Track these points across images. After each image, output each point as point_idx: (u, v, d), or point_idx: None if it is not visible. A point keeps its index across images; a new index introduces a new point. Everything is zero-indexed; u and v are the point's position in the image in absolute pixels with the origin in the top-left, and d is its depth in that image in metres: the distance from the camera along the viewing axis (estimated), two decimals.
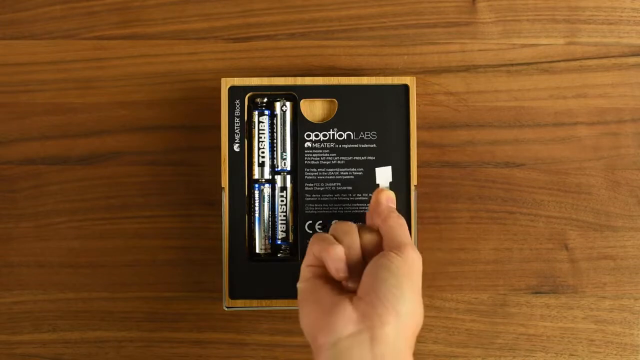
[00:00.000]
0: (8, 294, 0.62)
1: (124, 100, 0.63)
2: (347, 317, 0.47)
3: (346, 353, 0.46)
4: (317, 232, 0.59)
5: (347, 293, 0.49)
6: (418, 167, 0.60)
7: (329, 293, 0.49)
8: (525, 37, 0.63)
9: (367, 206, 0.59)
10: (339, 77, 0.60)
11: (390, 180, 0.57)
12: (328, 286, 0.50)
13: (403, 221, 0.52)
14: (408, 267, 0.48)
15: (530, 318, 0.62)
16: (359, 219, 0.59)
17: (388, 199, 0.54)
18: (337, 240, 0.50)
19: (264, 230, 0.60)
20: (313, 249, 0.51)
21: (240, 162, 0.59)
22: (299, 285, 0.51)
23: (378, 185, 0.56)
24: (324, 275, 0.51)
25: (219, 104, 0.59)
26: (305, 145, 0.60)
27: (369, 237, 0.51)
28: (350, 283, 0.50)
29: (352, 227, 0.52)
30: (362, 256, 0.51)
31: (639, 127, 0.62)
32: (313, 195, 0.59)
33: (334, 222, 0.56)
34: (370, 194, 0.59)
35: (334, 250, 0.49)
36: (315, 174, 0.59)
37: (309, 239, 0.59)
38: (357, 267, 0.50)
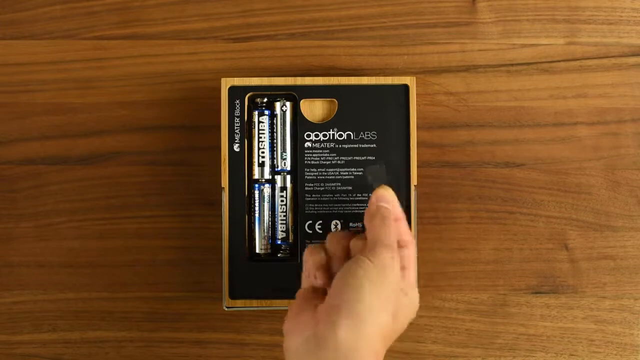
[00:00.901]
0: (8, 294, 0.62)
1: (124, 100, 0.62)
2: (303, 322, 0.47)
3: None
4: (316, 232, 0.59)
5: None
6: (418, 167, 0.60)
7: (312, 301, 0.49)
8: (525, 37, 0.63)
9: (367, 206, 0.59)
10: (339, 77, 0.60)
11: (385, 176, 0.56)
12: (315, 294, 0.50)
13: (388, 221, 0.50)
14: (377, 272, 0.47)
15: (530, 318, 0.62)
16: (358, 219, 0.59)
17: (378, 197, 0.51)
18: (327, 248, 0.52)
19: (264, 230, 0.60)
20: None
21: (240, 162, 0.59)
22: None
23: (372, 185, 0.55)
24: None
25: (219, 104, 0.59)
26: (305, 145, 0.60)
27: (358, 243, 0.51)
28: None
29: (338, 235, 0.52)
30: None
31: (639, 127, 0.62)
32: (313, 195, 0.59)
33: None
34: (370, 194, 0.59)
35: (310, 258, 0.51)
36: (315, 174, 0.59)
37: (309, 240, 0.59)
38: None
